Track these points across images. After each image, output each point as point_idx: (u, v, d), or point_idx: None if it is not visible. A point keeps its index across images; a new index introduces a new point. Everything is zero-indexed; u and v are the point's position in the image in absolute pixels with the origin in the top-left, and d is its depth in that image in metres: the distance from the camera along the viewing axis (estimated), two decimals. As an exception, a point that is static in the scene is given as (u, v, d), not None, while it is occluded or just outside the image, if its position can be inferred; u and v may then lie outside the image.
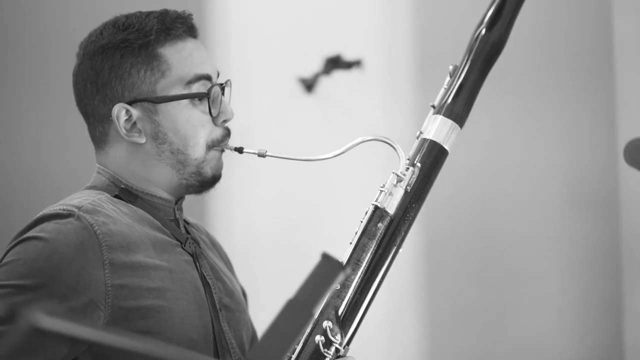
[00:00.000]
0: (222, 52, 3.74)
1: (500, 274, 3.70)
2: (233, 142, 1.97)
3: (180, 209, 1.98)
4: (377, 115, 3.79)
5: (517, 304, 3.69)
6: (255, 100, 3.72)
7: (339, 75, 3.73)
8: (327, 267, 1.48)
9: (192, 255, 1.92)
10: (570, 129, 3.70)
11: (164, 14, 1.92)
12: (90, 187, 1.94)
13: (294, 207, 3.75)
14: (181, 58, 1.90)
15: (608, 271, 3.61)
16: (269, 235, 3.75)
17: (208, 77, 1.92)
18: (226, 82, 1.96)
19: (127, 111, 1.89)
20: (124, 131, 1.89)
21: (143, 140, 1.90)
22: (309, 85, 3.72)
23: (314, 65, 3.75)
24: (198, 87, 1.91)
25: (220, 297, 1.94)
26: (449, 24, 3.81)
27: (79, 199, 1.86)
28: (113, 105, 1.89)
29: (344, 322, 1.76)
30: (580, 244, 3.66)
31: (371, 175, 3.58)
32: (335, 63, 3.72)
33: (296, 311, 1.35)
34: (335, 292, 1.76)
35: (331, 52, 3.76)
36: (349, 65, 3.73)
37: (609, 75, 3.63)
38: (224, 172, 1.97)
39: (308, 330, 1.75)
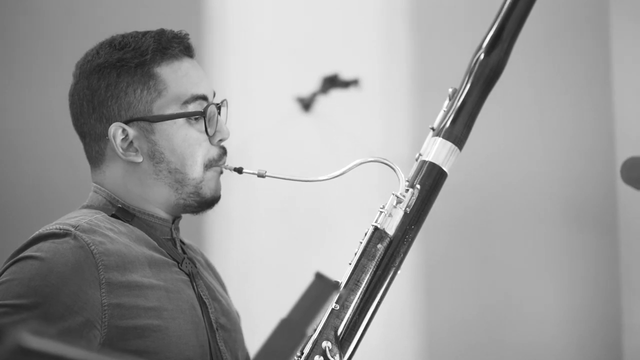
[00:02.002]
0: (220, 71, 3.74)
1: (498, 292, 3.69)
2: (231, 160, 1.97)
3: (177, 229, 1.97)
4: (375, 133, 3.79)
5: (516, 322, 3.68)
6: (253, 119, 3.72)
7: (336, 94, 3.73)
8: (321, 287, 1.47)
9: (188, 275, 1.92)
10: (569, 146, 3.71)
11: (160, 34, 1.92)
12: (87, 206, 1.93)
13: (292, 227, 3.74)
14: (177, 78, 1.91)
15: (607, 289, 3.61)
16: (266, 256, 3.74)
17: (204, 97, 1.92)
18: (222, 102, 1.97)
19: (124, 130, 1.89)
20: (121, 150, 1.89)
21: (140, 160, 1.90)
22: (306, 104, 3.72)
23: (312, 84, 3.75)
24: (194, 107, 1.91)
25: (217, 317, 1.94)
26: (446, 43, 3.82)
27: (76, 218, 1.85)
28: (109, 124, 1.89)
29: (342, 343, 1.76)
30: (579, 262, 3.66)
31: (368, 195, 3.57)
32: (332, 82, 3.72)
33: (289, 331, 1.35)
34: (334, 312, 1.75)
35: (328, 71, 3.77)
36: (346, 84, 3.73)
37: (607, 93, 3.64)
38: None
39: (307, 350, 1.75)
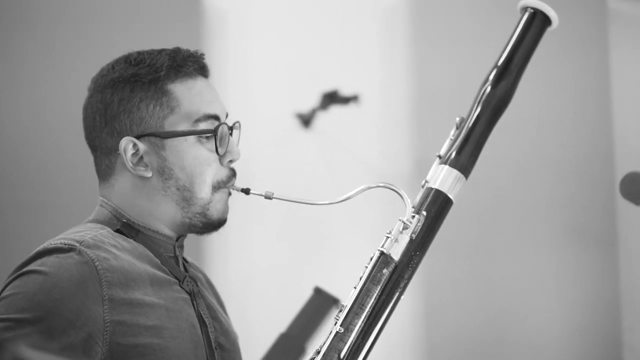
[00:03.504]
0: (219, 87, 3.73)
1: (499, 313, 3.69)
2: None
3: (181, 247, 1.98)
4: (374, 149, 3.79)
5: (516, 339, 3.68)
6: (253, 135, 3.72)
7: (336, 110, 3.73)
8: (320, 301, 1.48)
9: (189, 294, 1.92)
10: (568, 163, 3.71)
11: (176, 52, 1.94)
12: (92, 221, 1.94)
13: (291, 246, 3.74)
14: (191, 96, 1.92)
15: (607, 307, 3.61)
16: (266, 274, 3.73)
17: (216, 117, 1.93)
18: (235, 124, 1.98)
19: (135, 145, 1.90)
20: (131, 164, 1.90)
21: (149, 175, 1.90)
22: (306, 120, 3.73)
23: (311, 100, 3.75)
24: (206, 126, 1.92)
25: (216, 336, 1.94)
26: (445, 59, 3.83)
27: (81, 232, 1.85)
28: (120, 139, 1.90)
29: (345, 366, 1.76)
30: (580, 282, 3.66)
31: (367, 215, 3.57)
32: (332, 98, 3.73)
33: (288, 345, 1.35)
34: (338, 335, 1.76)
35: (328, 87, 3.77)
36: (346, 100, 3.74)
37: (606, 109, 3.65)
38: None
39: (310, 372, 1.75)
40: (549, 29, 1.90)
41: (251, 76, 3.80)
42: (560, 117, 3.75)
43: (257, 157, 3.66)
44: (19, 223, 3.57)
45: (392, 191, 1.83)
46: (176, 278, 1.91)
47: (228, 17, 3.84)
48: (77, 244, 1.79)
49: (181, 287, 1.91)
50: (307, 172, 3.66)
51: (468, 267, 3.72)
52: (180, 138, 1.89)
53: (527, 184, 3.73)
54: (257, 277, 3.72)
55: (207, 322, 1.92)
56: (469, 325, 3.69)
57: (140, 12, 3.74)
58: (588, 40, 3.71)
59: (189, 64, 1.93)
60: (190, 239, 2.05)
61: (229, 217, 1.98)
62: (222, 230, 1.99)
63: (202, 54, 1.97)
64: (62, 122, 3.50)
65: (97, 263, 1.78)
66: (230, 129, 1.96)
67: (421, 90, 3.84)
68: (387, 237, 1.81)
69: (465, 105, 1.92)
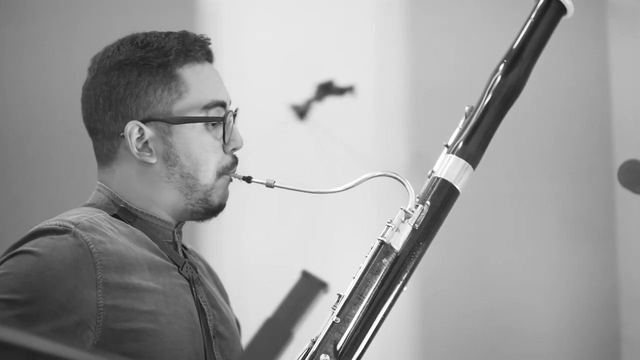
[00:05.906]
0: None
1: (496, 306, 3.69)
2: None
3: (180, 233, 1.95)
4: (370, 140, 3.78)
5: (514, 334, 3.67)
6: (248, 127, 3.69)
7: (331, 101, 3.71)
8: (308, 285, 1.45)
9: (188, 280, 1.89)
10: (566, 154, 3.71)
11: (184, 35, 1.90)
12: (89, 205, 1.90)
13: (287, 234, 3.72)
14: (199, 81, 1.89)
15: (606, 302, 3.61)
16: (261, 263, 3.71)
17: (223, 104, 1.91)
18: (236, 110, 1.95)
19: (140, 129, 1.86)
20: (136, 149, 1.86)
21: (154, 161, 1.87)
22: (301, 112, 3.70)
23: (306, 91, 3.73)
24: (214, 113, 1.89)
25: (215, 325, 1.91)
26: (441, 50, 3.81)
27: (76, 215, 1.82)
28: (125, 123, 1.86)
29: (342, 358, 1.73)
30: (578, 276, 3.66)
31: (369, 208, 3.55)
32: (327, 89, 3.71)
33: (275, 330, 1.34)
34: (335, 325, 1.73)
35: (323, 78, 3.75)
36: (341, 91, 3.72)
37: (606, 100, 3.65)
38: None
39: (305, 362, 1.73)
40: (564, 18, 1.86)
41: (246, 68, 3.77)
42: (559, 109, 3.74)
43: (252, 149, 3.64)
44: (13, 220, 3.55)
45: (395, 181, 1.81)
46: (175, 264, 1.88)
47: (221, 8, 3.81)
48: (73, 226, 1.76)
49: (180, 273, 1.87)
50: (302, 164, 3.64)
51: (464, 259, 3.71)
52: (188, 125, 1.86)
53: (524, 176, 3.72)
54: (253, 265, 3.70)
55: (205, 310, 1.89)
56: (466, 318, 3.68)
57: (132, 4, 3.71)
58: (587, 31, 3.69)
59: (197, 48, 1.90)
60: (185, 228, 2.03)
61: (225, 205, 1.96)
62: (216, 221, 1.97)
63: (209, 39, 1.94)
64: (54, 117, 3.47)
65: (92, 246, 1.75)
66: (233, 116, 1.93)
67: (417, 81, 3.82)
68: (388, 226, 1.78)
69: (461, 96, 1.90)
